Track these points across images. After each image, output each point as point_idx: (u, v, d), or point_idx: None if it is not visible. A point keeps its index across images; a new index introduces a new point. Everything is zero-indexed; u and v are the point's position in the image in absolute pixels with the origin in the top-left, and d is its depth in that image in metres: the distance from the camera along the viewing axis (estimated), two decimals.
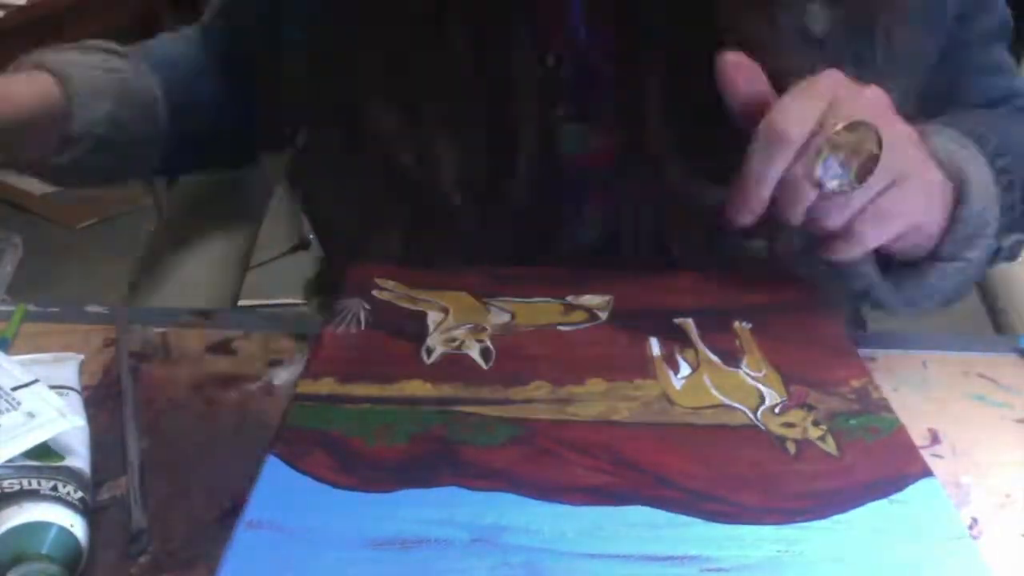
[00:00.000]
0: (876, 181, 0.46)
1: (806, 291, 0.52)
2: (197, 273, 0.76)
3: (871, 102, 0.47)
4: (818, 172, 0.45)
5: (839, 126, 0.44)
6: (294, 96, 0.63)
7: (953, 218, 0.51)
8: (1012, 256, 0.58)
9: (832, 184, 0.45)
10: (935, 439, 0.50)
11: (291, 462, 0.38)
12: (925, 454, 0.40)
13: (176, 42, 0.71)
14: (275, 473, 0.37)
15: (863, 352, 0.52)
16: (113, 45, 0.64)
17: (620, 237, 0.58)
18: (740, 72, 0.48)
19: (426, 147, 0.56)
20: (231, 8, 0.70)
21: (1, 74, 0.57)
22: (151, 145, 0.64)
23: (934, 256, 0.52)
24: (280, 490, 0.36)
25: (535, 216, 0.58)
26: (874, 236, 0.47)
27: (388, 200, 0.59)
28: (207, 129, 0.68)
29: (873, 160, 0.45)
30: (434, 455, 0.39)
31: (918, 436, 0.48)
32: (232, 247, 0.81)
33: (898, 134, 0.47)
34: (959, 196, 0.51)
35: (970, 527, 0.44)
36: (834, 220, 0.47)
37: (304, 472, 0.37)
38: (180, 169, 0.77)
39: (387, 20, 0.56)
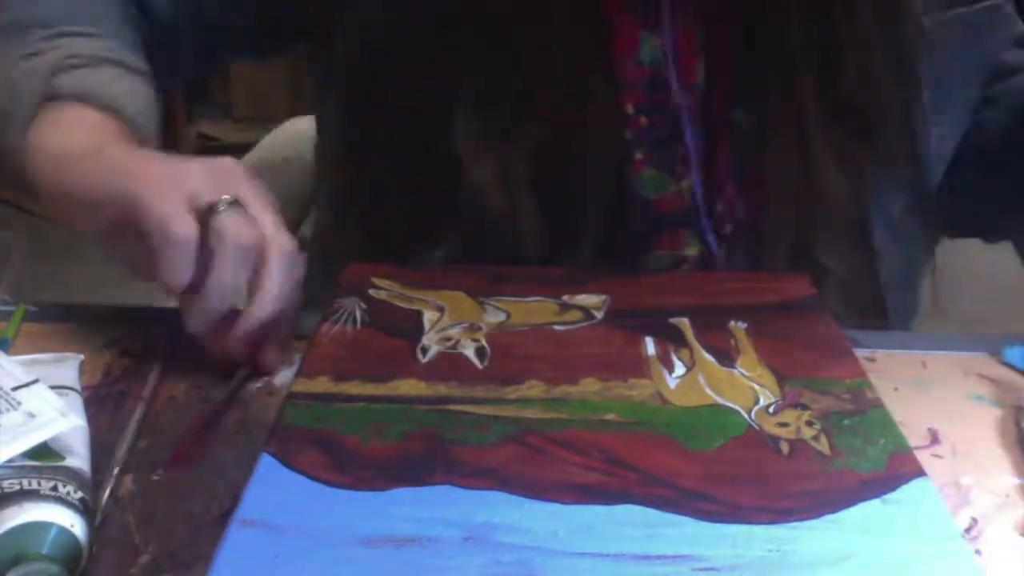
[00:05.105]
0: None
1: (802, 291, 0.52)
2: None
3: None
4: None
5: None
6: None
7: None
8: None
9: None
10: (935, 439, 0.50)
11: (284, 460, 0.38)
12: (925, 454, 0.40)
13: None
14: (268, 471, 0.37)
15: (863, 352, 0.52)
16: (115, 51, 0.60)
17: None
18: None
19: (514, 198, 0.57)
20: None
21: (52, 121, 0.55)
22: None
23: None
24: (273, 488, 0.36)
25: (605, 253, 0.59)
26: None
27: (447, 213, 0.59)
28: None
29: None
30: (427, 454, 0.39)
31: (918, 436, 0.48)
32: None
33: None
34: None
35: (970, 527, 0.44)
36: None
37: (297, 471, 0.37)
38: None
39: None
